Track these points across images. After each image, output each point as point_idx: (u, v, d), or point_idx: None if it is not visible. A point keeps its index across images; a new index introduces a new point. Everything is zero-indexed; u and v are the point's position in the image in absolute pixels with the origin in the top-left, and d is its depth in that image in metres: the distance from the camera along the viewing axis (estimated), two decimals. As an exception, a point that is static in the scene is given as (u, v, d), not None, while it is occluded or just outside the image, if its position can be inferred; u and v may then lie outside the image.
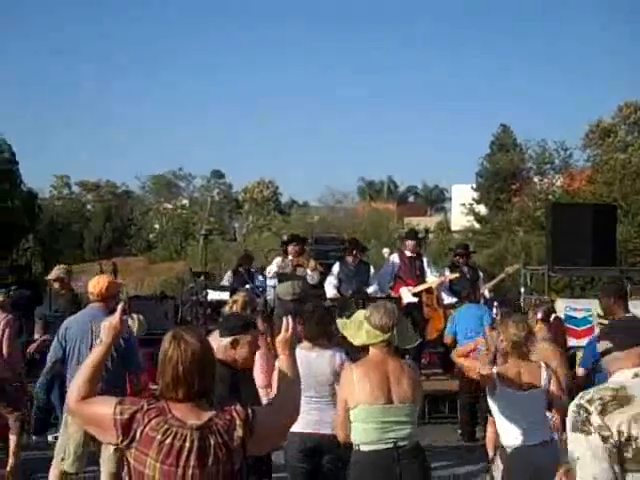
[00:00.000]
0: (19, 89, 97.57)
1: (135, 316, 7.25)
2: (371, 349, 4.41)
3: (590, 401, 2.83)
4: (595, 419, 2.78)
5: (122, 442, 2.87)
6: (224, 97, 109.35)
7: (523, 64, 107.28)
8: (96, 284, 6.06)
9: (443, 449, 7.84)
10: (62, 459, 5.90)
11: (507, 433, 4.84)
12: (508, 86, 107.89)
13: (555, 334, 7.44)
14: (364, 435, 4.28)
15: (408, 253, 10.53)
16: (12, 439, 7.03)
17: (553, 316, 7.99)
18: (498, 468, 5.00)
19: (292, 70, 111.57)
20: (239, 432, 2.91)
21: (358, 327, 4.43)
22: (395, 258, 10.65)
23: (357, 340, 4.44)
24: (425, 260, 10.68)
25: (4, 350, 7.05)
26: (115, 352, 5.76)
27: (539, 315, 7.14)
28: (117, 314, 3.27)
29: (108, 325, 3.24)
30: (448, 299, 10.49)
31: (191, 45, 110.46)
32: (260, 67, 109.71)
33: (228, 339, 4.33)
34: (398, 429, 4.26)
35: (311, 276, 10.33)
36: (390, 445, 4.24)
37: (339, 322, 4.69)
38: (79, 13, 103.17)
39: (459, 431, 8.71)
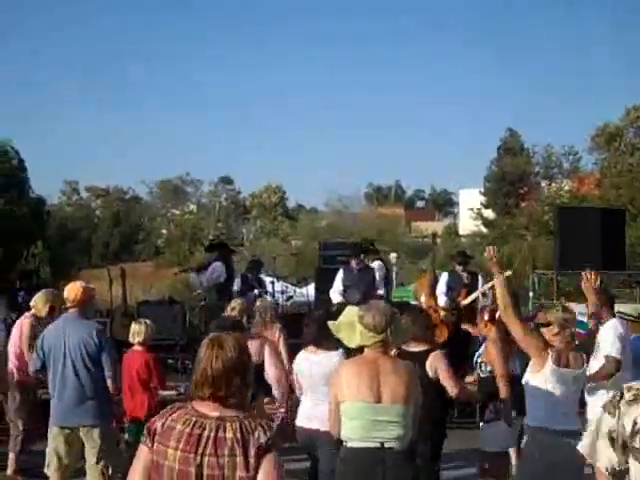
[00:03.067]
0: (27, 95, 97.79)
1: (143, 321, 7.27)
2: (365, 349, 4.35)
3: (629, 388, 2.93)
4: (622, 405, 2.87)
5: (151, 447, 2.93)
6: (232, 102, 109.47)
7: (531, 67, 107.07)
8: (71, 290, 6.00)
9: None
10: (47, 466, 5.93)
11: (540, 413, 4.75)
12: (516, 89, 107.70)
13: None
14: (351, 432, 4.23)
15: None
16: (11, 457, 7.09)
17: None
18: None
19: (299, 74, 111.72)
20: (260, 439, 2.90)
21: (351, 329, 4.38)
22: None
23: (352, 342, 4.40)
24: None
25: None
26: (83, 360, 5.80)
27: (485, 317, 7.12)
28: None
29: None
30: (444, 303, 10.59)
31: (200, 48, 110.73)
32: (267, 72, 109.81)
33: None
34: (386, 429, 4.17)
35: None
36: (376, 444, 4.16)
37: (331, 324, 4.66)
38: (83, 17, 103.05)
39: None
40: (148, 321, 7.26)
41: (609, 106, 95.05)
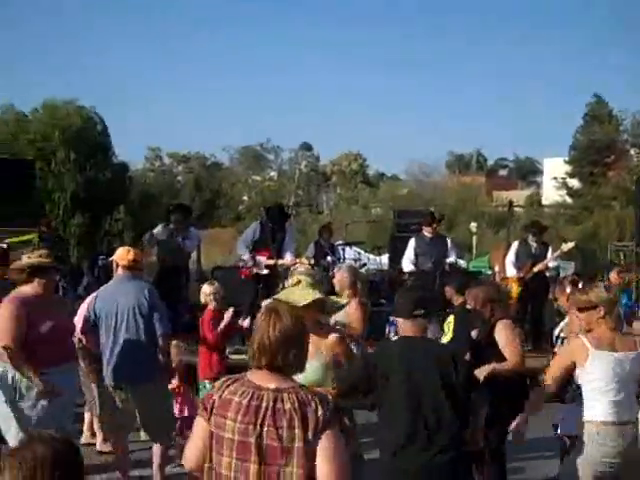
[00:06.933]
0: (116, 66, 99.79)
1: (215, 283, 7.48)
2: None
3: None
4: None
5: (208, 419, 2.98)
6: (309, 70, 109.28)
7: (617, 33, 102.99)
8: (125, 254, 6.03)
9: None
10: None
11: (597, 406, 4.39)
12: (602, 55, 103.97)
13: None
14: None
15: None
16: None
17: None
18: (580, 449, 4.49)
19: (377, 43, 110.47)
20: (317, 412, 2.92)
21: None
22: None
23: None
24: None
25: None
26: (135, 319, 5.83)
27: (567, 289, 7.09)
28: None
29: None
30: (511, 274, 10.48)
31: (276, 20, 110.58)
32: (347, 41, 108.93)
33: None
34: None
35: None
36: None
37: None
38: None
39: None
40: (216, 283, 7.43)
41: None
